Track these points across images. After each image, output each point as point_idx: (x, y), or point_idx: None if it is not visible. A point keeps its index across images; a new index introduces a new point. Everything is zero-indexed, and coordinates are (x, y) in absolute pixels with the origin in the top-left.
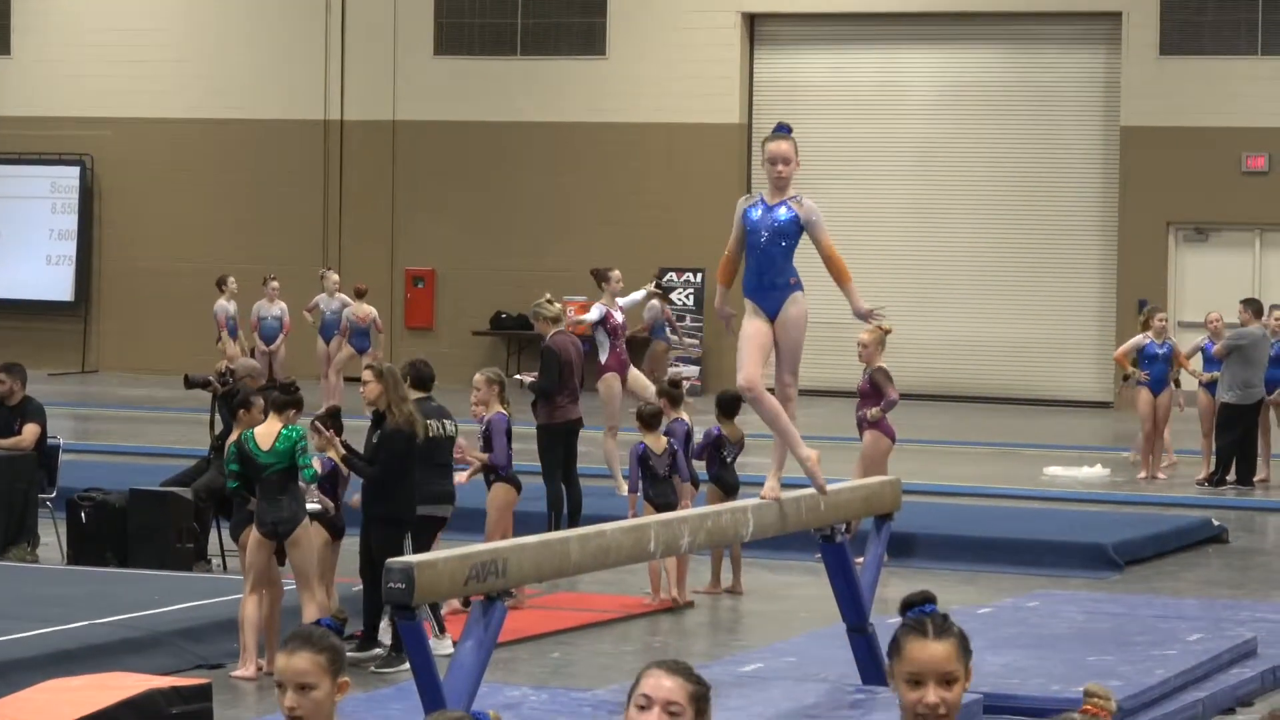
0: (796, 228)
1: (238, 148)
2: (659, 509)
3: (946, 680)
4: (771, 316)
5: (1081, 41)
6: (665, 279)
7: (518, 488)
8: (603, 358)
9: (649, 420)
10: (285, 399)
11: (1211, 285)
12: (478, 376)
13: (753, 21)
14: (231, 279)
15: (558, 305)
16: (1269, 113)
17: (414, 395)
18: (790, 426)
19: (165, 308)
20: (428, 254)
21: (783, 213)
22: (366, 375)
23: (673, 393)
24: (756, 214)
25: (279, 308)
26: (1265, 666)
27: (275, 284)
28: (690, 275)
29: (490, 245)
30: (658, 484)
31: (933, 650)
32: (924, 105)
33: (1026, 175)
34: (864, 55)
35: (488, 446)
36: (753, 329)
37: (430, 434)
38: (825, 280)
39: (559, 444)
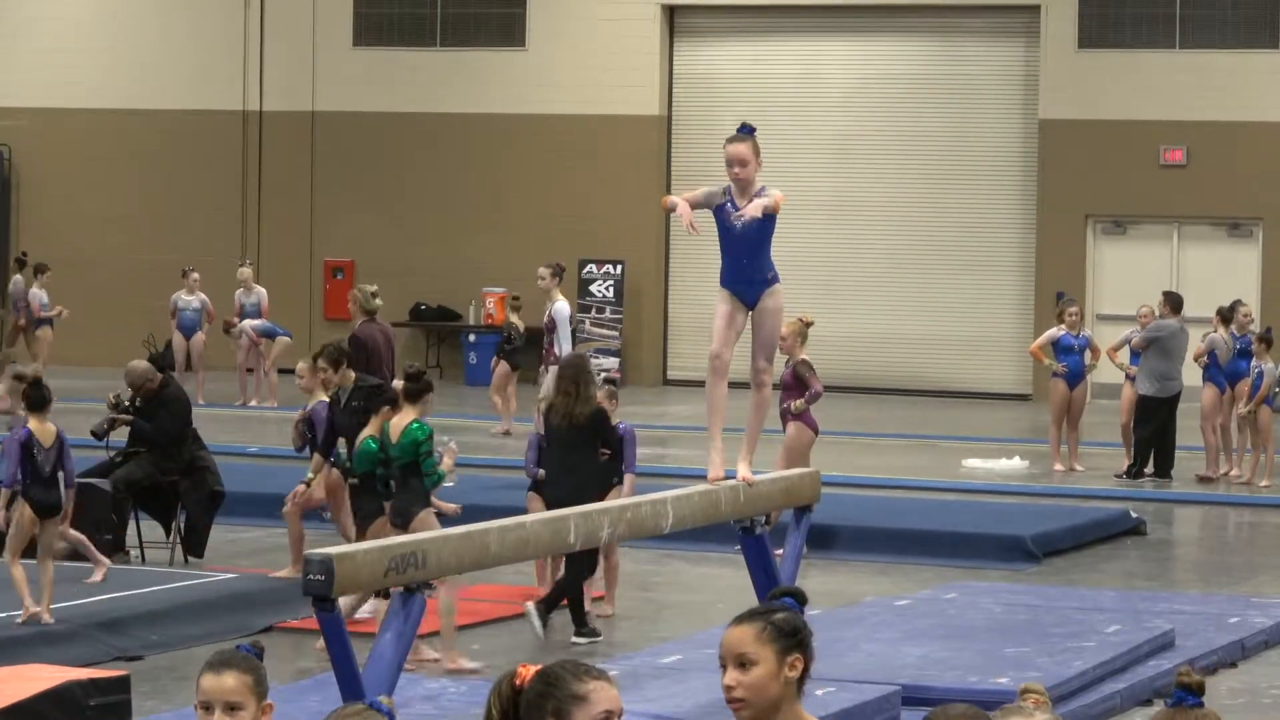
0: (769, 226)
1: (156, 138)
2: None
3: (741, 662)
4: (749, 306)
5: (1000, 34)
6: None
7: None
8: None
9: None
10: (417, 388)
11: (1129, 278)
12: (301, 365)
13: (672, 14)
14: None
15: (379, 301)
16: (1187, 106)
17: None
18: (722, 415)
19: (83, 298)
20: (346, 245)
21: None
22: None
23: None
24: (727, 214)
25: (198, 299)
26: (1182, 658)
27: (196, 275)
28: (610, 267)
29: (409, 237)
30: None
31: (730, 633)
32: (843, 98)
33: (945, 168)
34: (783, 48)
35: (313, 433)
36: (727, 310)
37: None
38: None
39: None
